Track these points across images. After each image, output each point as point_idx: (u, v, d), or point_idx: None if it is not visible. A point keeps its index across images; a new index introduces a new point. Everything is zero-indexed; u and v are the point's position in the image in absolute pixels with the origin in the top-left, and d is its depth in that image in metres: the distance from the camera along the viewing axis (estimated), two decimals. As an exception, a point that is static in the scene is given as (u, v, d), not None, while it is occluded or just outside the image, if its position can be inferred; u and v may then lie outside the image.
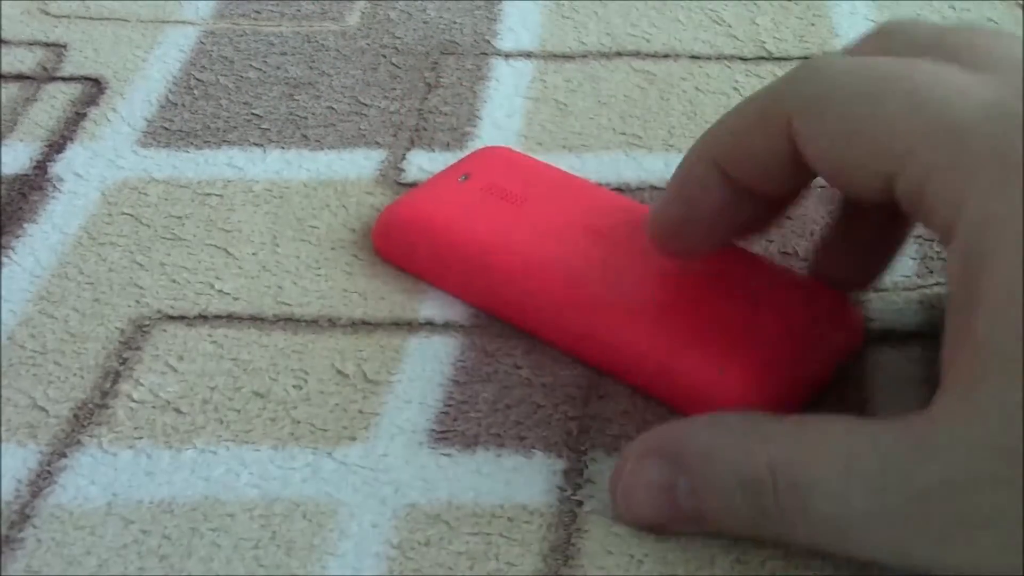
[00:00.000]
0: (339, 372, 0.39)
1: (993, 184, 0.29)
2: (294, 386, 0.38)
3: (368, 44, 0.53)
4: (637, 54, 0.52)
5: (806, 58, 0.52)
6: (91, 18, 0.55)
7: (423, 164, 0.47)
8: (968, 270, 0.29)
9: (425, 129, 0.48)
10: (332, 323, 0.40)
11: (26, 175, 0.47)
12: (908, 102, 0.30)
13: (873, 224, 0.37)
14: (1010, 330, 0.28)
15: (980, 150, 0.29)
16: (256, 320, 0.41)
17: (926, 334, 0.39)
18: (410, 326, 0.40)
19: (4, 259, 0.43)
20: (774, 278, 0.38)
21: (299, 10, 0.55)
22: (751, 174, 0.34)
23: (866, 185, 0.31)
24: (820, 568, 0.33)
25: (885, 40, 0.34)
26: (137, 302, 0.41)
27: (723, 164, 0.34)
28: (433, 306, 0.41)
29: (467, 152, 0.47)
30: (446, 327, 0.40)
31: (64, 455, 0.36)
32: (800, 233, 0.43)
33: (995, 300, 0.28)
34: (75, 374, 0.39)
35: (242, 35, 0.54)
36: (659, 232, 0.36)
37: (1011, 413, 0.27)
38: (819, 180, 0.34)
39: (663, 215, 0.36)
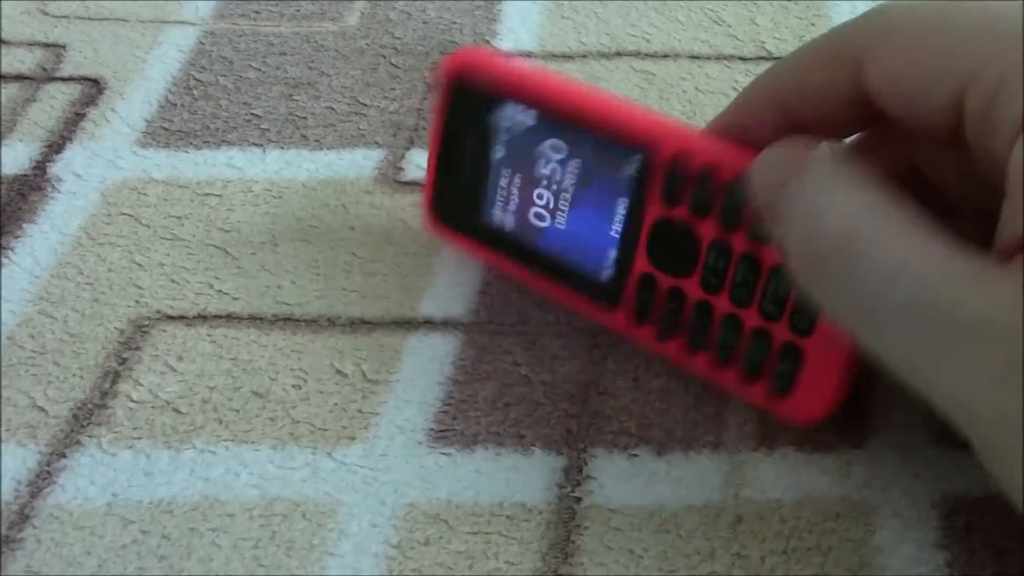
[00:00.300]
0: (338, 372, 0.39)
1: None
2: (293, 386, 0.38)
3: (368, 44, 0.53)
4: (637, 54, 0.52)
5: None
6: (91, 18, 0.55)
7: (422, 163, 0.47)
8: None
9: (424, 129, 0.48)
10: (331, 322, 0.40)
11: (26, 175, 0.47)
12: (978, 18, 0.30)
13: None
14: None
15: None
16: (255, 320, 0.41)
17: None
18: (409, 325, 0.40)
19: (4, 259, 0.43)
20: None
21: (299, 10, 0.55)
22: (811, 112, 0.34)
23: (935, 109, 0.31)
24: (820, 566, 0.33)
25: None
26: (136, 302, 0.41)
27: (784, 99, 0.34)
28: (432, 305, 0.41)
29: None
30: (445, 325, 0.40)
31: (64, 455, 0.36)
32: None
33: None
34: (75, 374, 0.39)
35: (242, 35, 0.54)
36: None
37: None
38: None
39: (717, 129, 0.37)
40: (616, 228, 0.37)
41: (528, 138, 0.39)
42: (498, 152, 0.39)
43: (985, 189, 0.32)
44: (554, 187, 0.38)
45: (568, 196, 0.38)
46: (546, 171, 0.38)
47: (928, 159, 0.35)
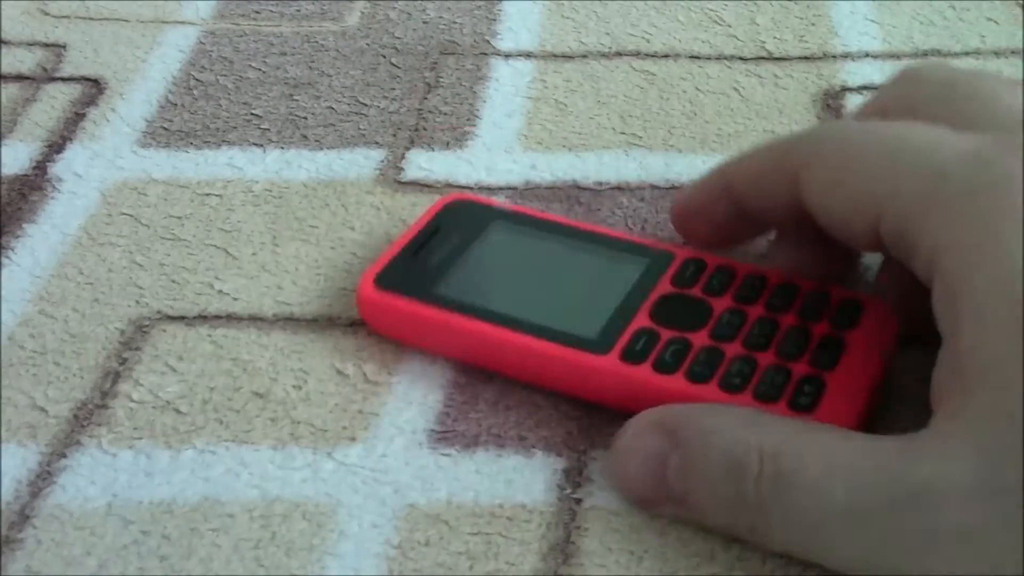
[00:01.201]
0: (339, 372, 0.39)
1: (965, 218, 0.30)
2: (294, 386, 0.38)
3: (368, 44, 0.53)
4: (637, 54, 0.52)
5: (806, 58, 0.52)
6: (91, 18, 0.55)
7: (422, 163, 0.47)
8: (948, 299, 0.30)
9: (425, 129, 0.48)
10: (332, 322, 0.40)
11: (26, 175, 0.47)
12: (893, 152, 0.33)
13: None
14: (991, 344, 0.29)
15: (953, 190, 0.31)
16: (256, 320, 0.41)
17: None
18: (410, 326, 0.40)
19: (4, 259, 0.43)
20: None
21: (299, 10, 0.55)
22: (759, 207, 0.37)
23: (856, 231, 0.34)
24: (820, 567, 0.33)
25: (902, 87, 0.37)
26: (137, 302, 0.41)
27: (736, 193, 0.38)
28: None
29: (465, 151, 0.47)
30: (446, 327, 0.40)
31: (64, 455, 0.36)
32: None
33: (974, 318, 0.29)
34: (75, 374, 0.39)
35: (242, 35, 0.54)
36: (674, 219, 0.41)
37: (996, 425, 0.28)
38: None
39: (679, 205, 0.41)
40: (613, 303, 0.38)
41: (516, 238, 0.40)
42: (478, 244, 0.40)
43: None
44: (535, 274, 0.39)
45: (553, 279, 0.39)
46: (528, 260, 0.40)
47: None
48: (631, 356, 0.36)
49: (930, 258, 0.31)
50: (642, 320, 0.37)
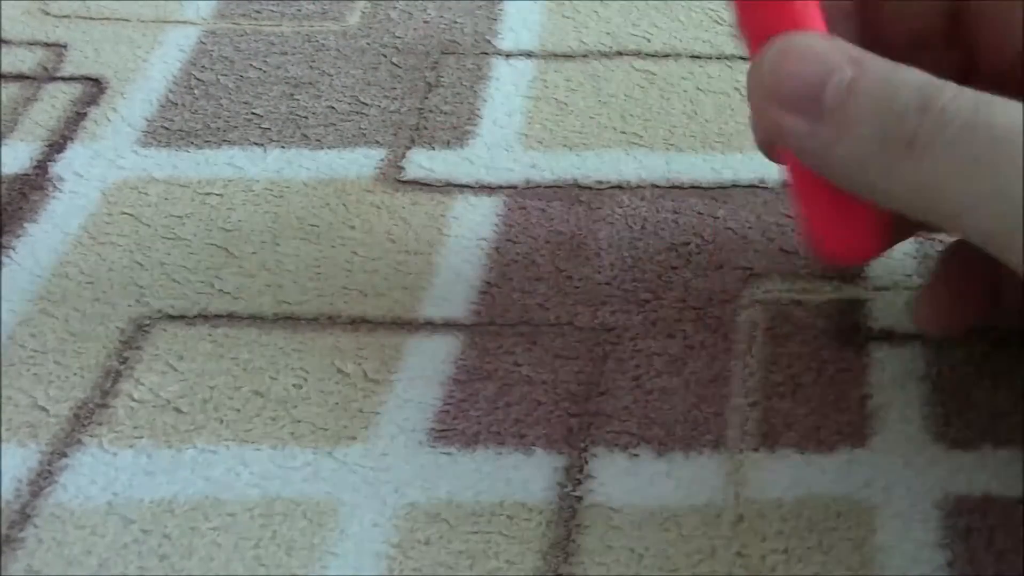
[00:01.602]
0: (339, 371, 0.39)
1: None
2: (294, 385, 0.38)
3: (368, 44, 0.53)
4: (638, 54, 0.52)
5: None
6: (91, 18, 0.55)
7: (423, 163, 0.47)
8: None
9: (425, 128, 0.48)
10: (332, 321, 0.40)
11: (26, 175, 0.47)
12: None
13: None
14: None
15: None
16: (256, 319, 0.41)
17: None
18: (410, 325, 0.40)
19: (4, 259, 0.43)
20: None
21: (299, 10, 0.55)
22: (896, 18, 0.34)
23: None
24: (821, 565, 0.33)
25: None
26: (137, 301, 0.41)
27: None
28: (433, 304, 0.41)
29: (466, 150, 0.47)
30: (446, 326, 0.40)
31: (64, 455, 0.36)
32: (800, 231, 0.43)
33: None
34: (75, 373, 0.39)
35: (242, 35, 0.54)
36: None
37: None
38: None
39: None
40: None
41: None
42: None
43: None
44: None
45: None
46: None
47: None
48: None
49: None
50: None
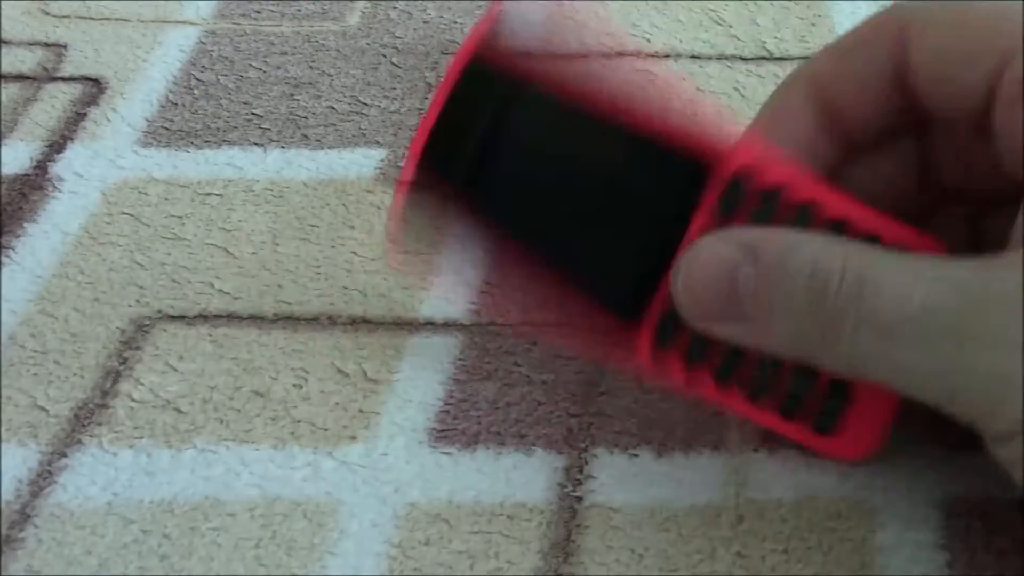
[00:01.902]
0: (339, 371, 0.39)
1: None
2: (294, 385, 0.38)
3: (368, 44, 0.53)
4: (638, 54, 0.52)
5: (807, 59, 0.52)
6: (91, 18, 0.55)
7: (423, 163, 0.47)
8: None
9: (425, 128, 0.48)
10: (332, 321, 0.40)
11: (26, 175, 0.47)
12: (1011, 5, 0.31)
13: None
14: None
15: None
16: (256, 319, 0.41)
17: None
18: (410, 325, 0.40)
19: (4, 259, 0.43)
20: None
21: (299, 10, 0.55)
22: (850, 98, 0.34)
23: (970, 88, 0.32)
24: (821, 565, 0.33)
25: None
26: (137, 302, 0.41)
27: (822, 88, 0.34)
28: (433, 304, 0.41)
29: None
30: (446, 326, 0.40)
31: (64, 455, 0.36)
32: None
33: None
34: (75, 374, 0.39)
35: (242, 35, 0.54)
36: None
37: None
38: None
39: (755, 134, 0.36)
40: (649, 238, 0.33)
41: (548, 126, 0.34)
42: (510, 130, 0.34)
43: (1000, 179, 0.32)
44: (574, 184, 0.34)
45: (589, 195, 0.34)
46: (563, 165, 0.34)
47: (942, 149, 0.35)
48: (660, 337, 0.33)
49: None
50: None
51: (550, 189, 0.34)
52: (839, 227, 0.33)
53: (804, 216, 0.33)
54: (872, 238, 0.32)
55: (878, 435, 0.34)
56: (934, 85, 0.33)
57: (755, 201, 0.33)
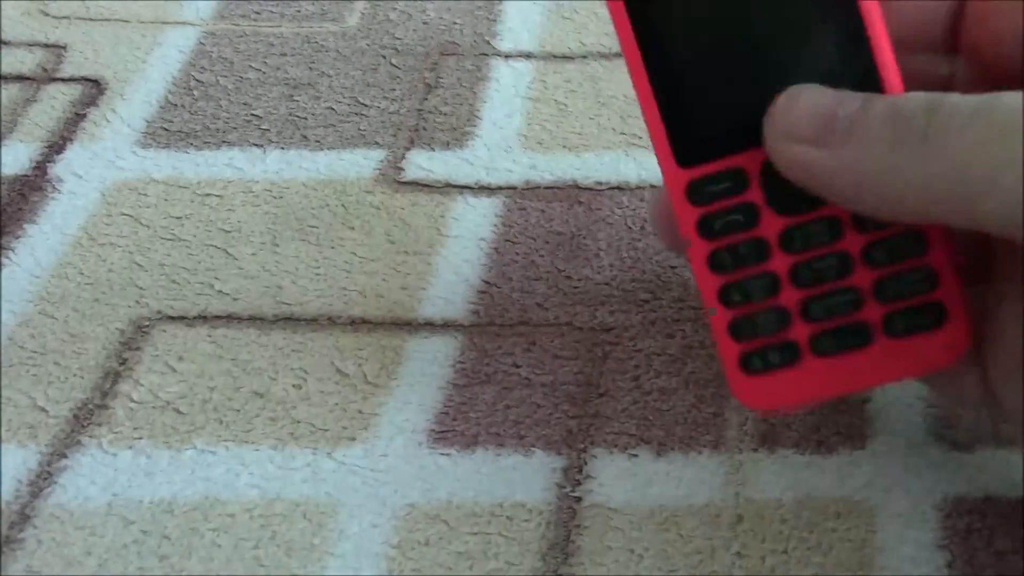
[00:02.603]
0: (339, 372, 0.39)
1: None
2: (294, 386, 0.38)
3: (368, 45, 0.53)
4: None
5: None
6: (91, 19, 0.55)
7: (422, 164, 0.47)
8: None
9: (425, 129, 0.48)
10: (332, 322, 0.40)
11: (26, 176, 0.47)
12: None
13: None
14: None
15: None
16: (256, 320, 0.41)
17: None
18: (410, 327, 0.40)
19: (4, 259, 0.43)
20: None
21: (299, 11, 0.55)
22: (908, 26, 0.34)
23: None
24: (821, 565, 0.33)
25: None
26: (137, 302, 0.41)
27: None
28: (432, 305, 0.41)
29: (465, 151, 0.47)
30: (445, 327, 0.40)
31: (64, 455, 0.36)
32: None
33: None
34: (75, 374, 0.39)
35: (242, 36, 0.54)
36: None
37: None
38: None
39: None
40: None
41: None
42: None
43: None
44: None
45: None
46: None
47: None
48: (695, 194, 0.32)
49: None
50: (752, 160, 0.32)
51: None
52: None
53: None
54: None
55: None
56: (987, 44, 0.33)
57: None
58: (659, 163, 0.33)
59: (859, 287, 0.32)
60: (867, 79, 0.32)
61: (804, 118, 0.31)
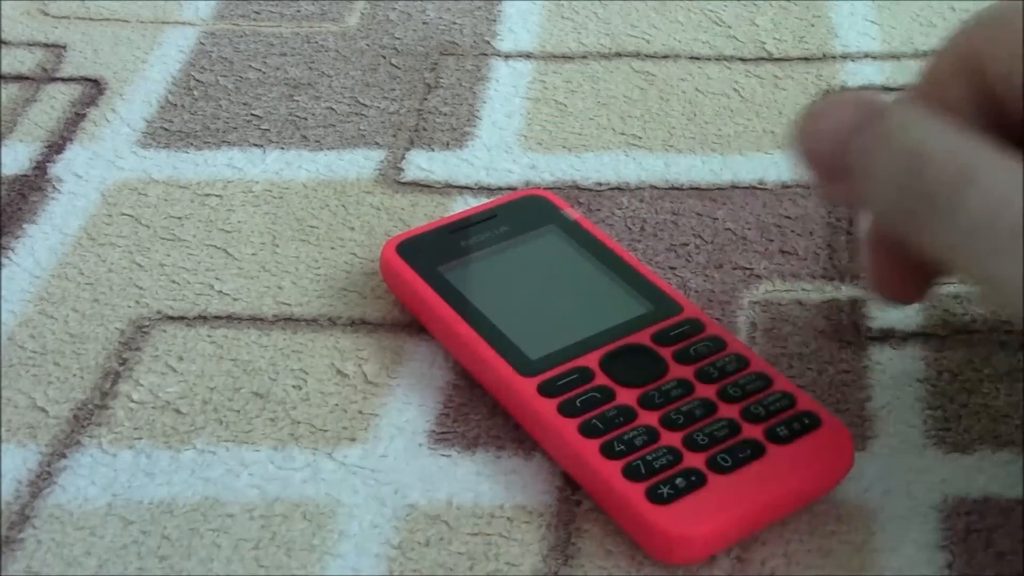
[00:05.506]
0: (339, 372, 0.39)
1: None
2: (294, 386, 0.38)
3: (368, 45, 0.53)
4: (637, 55, 0.52)
5: (806, 59, 0.52)
6: (91, 19, 0.55)
7: (422, 164, 0.47)
8: None
9: (424, 129, 0.48)
10: (332, 322, 0.40)
11: (26, 176, 0.47)
12: None
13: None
14: None
15: None
16: (256, 320, 0.41)
17: (926, 334, 0.39)
18: (410, 327, 0.40)
19: (4, 259, 0.43)
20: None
21: (299, 11, 0.55)
22: (1010, 69, 0.32)
23: None
24: (821, 567, 0.33)
25: None
26: (137, 302, 0.41)
27: (981, 55, 0.33)
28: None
29: (465, 152, 0.47)
30: (446, 327, 0.40)
31: (64, 455, 0.36)
32: (800, 232, 0.43)
33: None
34: (75, 375, 0.39)
35: (242, 36, 0.54)
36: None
37: None
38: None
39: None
40: (581, 335, 0.37)
41: (550, 246, 0.40)
42: (511, 241, 0.40)
43: None
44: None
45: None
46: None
47: None
48: (547, 389, 0.35)
49: None
50: (590, 361, 0.36)
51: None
52: (758, 380, 0.35)
53: (730, 363, 0.36)
54: (787, 397, 0.35)
55: (704, 527, 0.32)
56: (1014, 101, 0.32)
57: (688, 340, 0.37)
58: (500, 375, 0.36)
59: (731, 417, 0.35)
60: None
61: (820, 151, 0.31)
